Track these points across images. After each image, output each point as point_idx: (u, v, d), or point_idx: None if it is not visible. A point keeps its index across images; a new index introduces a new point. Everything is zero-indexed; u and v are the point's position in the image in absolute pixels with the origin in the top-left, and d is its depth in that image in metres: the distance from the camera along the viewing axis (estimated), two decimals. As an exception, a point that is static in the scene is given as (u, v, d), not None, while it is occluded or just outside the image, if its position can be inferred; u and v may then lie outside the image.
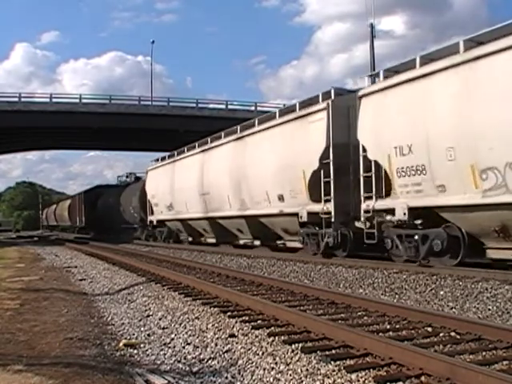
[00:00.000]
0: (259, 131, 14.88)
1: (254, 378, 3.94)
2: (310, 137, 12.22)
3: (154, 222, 24.30)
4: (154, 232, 25.20)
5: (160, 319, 6.25)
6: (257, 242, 16.25)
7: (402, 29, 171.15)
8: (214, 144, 18.11)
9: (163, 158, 23.68)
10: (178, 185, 20.68)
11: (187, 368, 4.33)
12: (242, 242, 17.10)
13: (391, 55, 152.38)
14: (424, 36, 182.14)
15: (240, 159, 15.62)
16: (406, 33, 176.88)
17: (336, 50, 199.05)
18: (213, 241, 19.16)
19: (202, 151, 18.81)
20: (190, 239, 21.38)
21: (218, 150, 17.54)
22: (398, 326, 5.28)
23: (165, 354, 4.79)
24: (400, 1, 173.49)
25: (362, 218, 10.76)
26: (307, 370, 3.91)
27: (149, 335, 5.56)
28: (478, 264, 9.07)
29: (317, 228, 12.27)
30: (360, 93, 11.03)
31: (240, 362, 4.32)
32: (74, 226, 47.00)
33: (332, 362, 3.99)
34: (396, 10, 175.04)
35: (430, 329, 5.10)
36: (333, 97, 11.86)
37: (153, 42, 59.87)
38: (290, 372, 3.91)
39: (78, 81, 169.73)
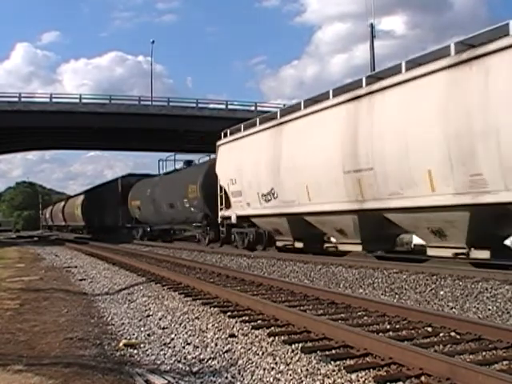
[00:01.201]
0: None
1: (253, 378, 3.94)
2: None
3: (233, 220, 16.21)
4: (230, 234, 17.04)
5: (160, 319, 6.25)
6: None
7: (402, 29, 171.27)
8: (384, 84, 10.21)
9: (249, 125, 15.56)
10: (294, 160, 12.80)
11: (187, 368, 4.33)
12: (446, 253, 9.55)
13: (391, 55, 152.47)
14: (424, 36, 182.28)
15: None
16: (406, 33, 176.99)
17: (336, 49, 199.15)
18: (358, 249, 11.59)
19: (352, 100, 10.96)
20: (300, 245, 13.54)
21: (400, 93, 9.81)
22: (397, 326, 5.28)
23: (165, 354, 4.79)
24: (400, 1, 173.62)
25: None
26: (307, 369, 3.91)
27: (149, 335, 5.56)
28: (478, 264, 9.09)
29: None
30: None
31: (240, 361, 4.32)
32: (90, 226, 40.44)
33: (332, 362, 3.99)
34: (396, 9, 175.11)
35: (430, 329, 5.10)
36: None
37: (153, 41, 59.71)
38: (290, 372, 3.91)
39: (78, 81, 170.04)
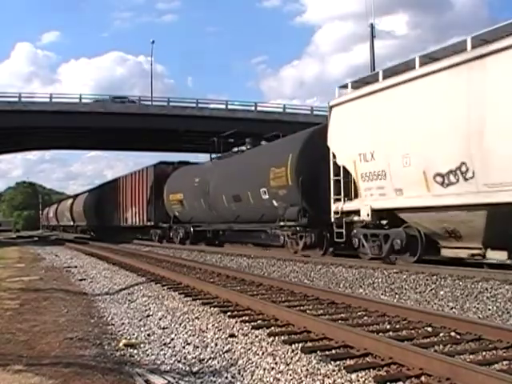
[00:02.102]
0: None
1: (253, 377, 3.94)
2: None
3: (363, 215, 10.76)
4: (352, 237, 11.26)
5: (160, 319, 6.25)
6: None
7: (403, 29, 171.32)
8: None
9: (400, 69, 10.00)
10: None
11: (187, 368, 4.33)
12: None
13: (392, 55, 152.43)
14: (425, 36, 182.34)
15: None
16: (407, 33, 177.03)
17: (337, 49, 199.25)
18: None
19: None
20: (501, 255, 8.59)
21: None
22: (398, 326, 5.28)
23: (165, 354, 4.79)
24: (401, 1, 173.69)
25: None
26: (307, 370, 3.91)
27: (149, 335, 5.56)
28: (479, 264, 9.09)
29: None
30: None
31: (240, 361, 4.32)
32: (106, 226, 33.41)
33: (332, 362, 3.98)
34: (397, 9, 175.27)
35: (430, 329, 5.10)
36: None
37: (153, 41, 59.72)
38: (290, 372, 3.91)
39: (78, 81, 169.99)
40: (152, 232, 24.64)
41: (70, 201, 49.26)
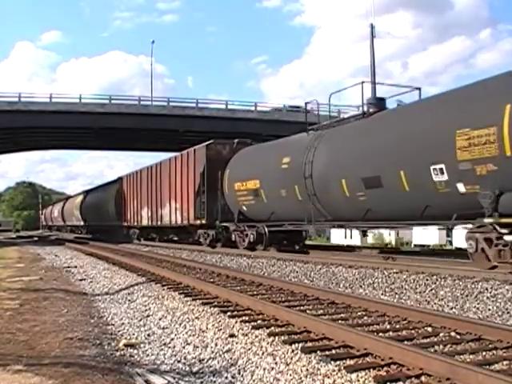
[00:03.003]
0: None
1: (254, 378, 3.94)
2: None
3: None
4: None
5: (160, 319, 6.25)
6: None
7: (403, 29, 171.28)
8: None
9: None
10: None
11: (187, 368, 4.34)
12: None
13: (393, 55, 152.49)
14: (426, 36, 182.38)
15: None
16: (407, 33, 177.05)
17: (337, 49, 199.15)
18: None
19: None
20: None
21: None
22: (398, 326, 5.28)
23: (165, 354, 4.79)
24: (402, 1, 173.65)
25: None
26: (307, 370, 3.90)
27: (149, 335, 5.56)
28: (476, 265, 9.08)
29: None
30: None
31: (240, 361, 4.32)
32: (132, 226, 27.14)
33: (332, 362, 3.98)
34: (398, 9, 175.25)
35: (430, 329, 5.09)
36: None
37: (153, 41, 60.18)
38: (290, 372, 3.91)
39: (78, 81, 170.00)
40: (200, 233, 18.41)
41: (79, 198, 43.00)
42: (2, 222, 79.73)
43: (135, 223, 26.31)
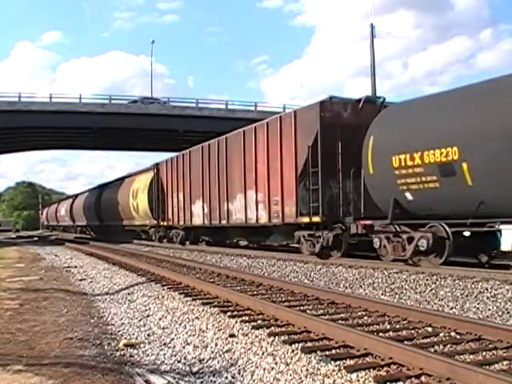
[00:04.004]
0: None
1: (254, 377, 3.94)
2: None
3: None
4: None
5: (160, 319, 6.25)
6: None
7: (404, 29, 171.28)
8: None
9: None
10: None
11: (187, 368, 4.34)
12: None
13: (393, 55, 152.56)
14: (426, 36, 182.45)
15: None
16: (408, 33, 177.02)
17: (337, 49, 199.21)
18: None
19: None
20: None
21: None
22: (398, 326, 5.28)
23: (165, 354, 4.79)
24: (403, 1, 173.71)
25: None
26: (307, 370, 3.90)
27: (149, 335, 5.56)
28: (479, 264, 9.08)
29: None
30: None
31: (240, 361, 4.32)
32: (178, 226, 20.20)
33: (332, 362, 3.98)
34: (398, 9, 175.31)
35: (430, 329, 5.09)
36: None
37: (153, 41, 60.18)
38: (290, 372, 3.91)
39: (79, 81, 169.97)
40: (299, 236, 12.51)
41: (95, 192, 35.58)
42: (2, 221, 79.82)
43: (180, 223, 19.59)
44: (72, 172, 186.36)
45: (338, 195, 11.39)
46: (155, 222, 22.12)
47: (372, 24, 24.07)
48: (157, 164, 22.81)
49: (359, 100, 11.86)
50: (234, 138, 15.46)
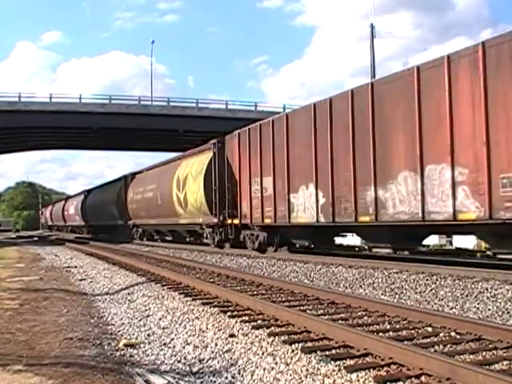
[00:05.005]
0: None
1: (254, 377, 3.94)
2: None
3: None
4: None
5: (160, 319, 6.25)
6: None
7: (404, 29, 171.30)
8: None
9: None
10: None
11: (187, 368, 4.33)
12: None
13: (393, 55, 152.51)
14: (426, 36, 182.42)
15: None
16: (408, 33, 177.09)
17: (337, 49, 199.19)
18: None
19: None
20: None
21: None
22: (398, 326, 5.28)
23: (165, 354, 4.79)
24: (403, 1, 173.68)
25: None
26: (307, 370, 3.90)
27: (149, 335, 5.56)
28: (479, 264, 9.08)
29: None
30: None
31: (240, 362, 4.32)
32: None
33: (332, 362, 3.98)
34: (399, 9, 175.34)
35: (430, 329, 5.09)
36: None
37: (153, 41, 60.07)
38: (290, 372, 3.91)
39: (79, 81, 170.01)
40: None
41: (119, 184, 27.97)
42: (2, 221, 79.80)
43: (266, 220, 13.48)
44: (72, 172, 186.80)
45: None
46: (215, 221, 15.92)
47: (372, 24, 24.10)
48: (219, 140, 16.18)
49: None
50: (395, 81, 9.33)
